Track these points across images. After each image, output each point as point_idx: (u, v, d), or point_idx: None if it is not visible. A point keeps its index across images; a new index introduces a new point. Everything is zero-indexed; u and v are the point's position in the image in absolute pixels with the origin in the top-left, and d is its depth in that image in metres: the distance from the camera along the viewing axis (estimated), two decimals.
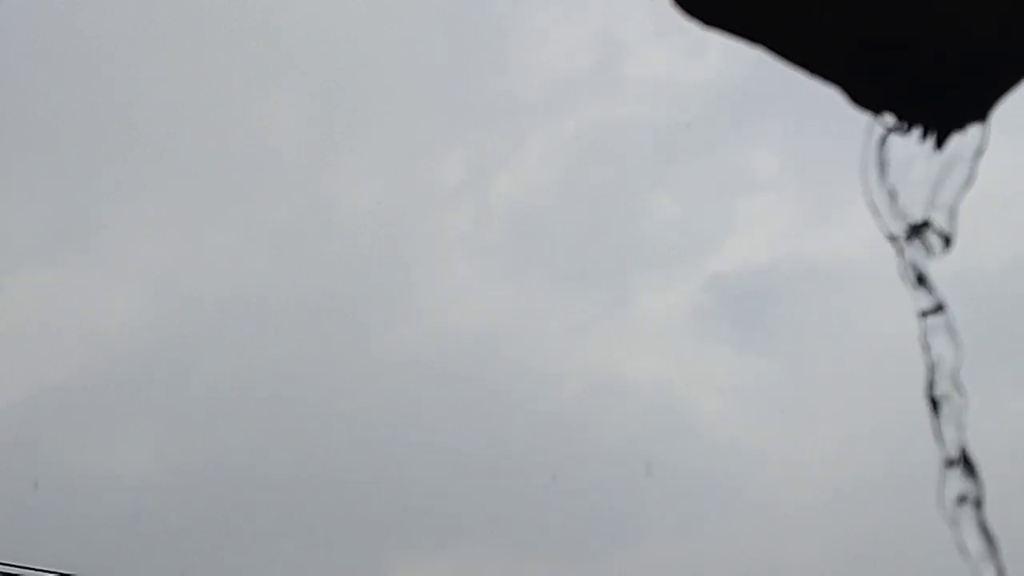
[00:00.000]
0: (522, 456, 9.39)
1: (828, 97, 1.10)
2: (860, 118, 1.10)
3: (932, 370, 1.08)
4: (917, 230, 1.10)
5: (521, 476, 9.27)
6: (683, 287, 10.23)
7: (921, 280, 1.09)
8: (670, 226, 10.41)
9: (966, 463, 1.06)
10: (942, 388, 1.08)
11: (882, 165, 1.10)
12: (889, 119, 1.09)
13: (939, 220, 1.10)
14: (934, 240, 1.10)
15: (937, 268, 1.10)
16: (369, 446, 9.06)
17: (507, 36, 10.63)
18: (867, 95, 1.07)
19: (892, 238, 1.09)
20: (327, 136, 10.31)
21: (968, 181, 1.09)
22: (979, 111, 1.08)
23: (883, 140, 1.11)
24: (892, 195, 1.10)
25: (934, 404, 1.08)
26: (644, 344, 10.14)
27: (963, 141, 1.10)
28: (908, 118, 1.08)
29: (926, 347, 1.08)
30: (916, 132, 1.10)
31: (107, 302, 10.17)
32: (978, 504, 1.05)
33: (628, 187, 10.38)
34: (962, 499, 1.05)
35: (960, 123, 1.09)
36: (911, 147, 1.11)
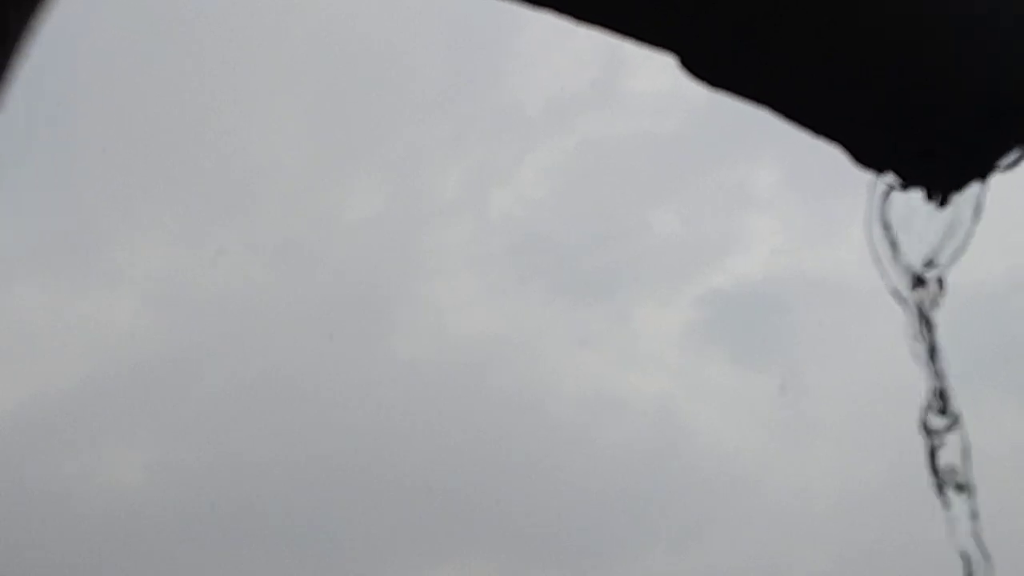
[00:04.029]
0: (520, 468, 9.40)
1: None
2: None
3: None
4: (919, 281, 1.11)
5: (519, 489, 9.28)
6: (682, 302, 10.24)
7: (927, 324, 1.11)
8: (670, 241, 10.42)
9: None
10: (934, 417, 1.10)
11: (885, 220, 1.12)
12: (893, 179, 1.10)
13: (938, 270, 1.12)
14: (934, 289, 1.12)
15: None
16: (367, 456, 9.06)
17: (508, 50, 10.65)
18: (872, 156, 1.09)
19: (896, 292, 1.11)
20: (327, 147, 10.33)
21: (966, 239, 1.10)
22: (982, 172, 1.10)
23: (886, 196, 1.12)
24: (895, 247, 1.12)
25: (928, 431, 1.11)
26: (643, 359, 10.15)
27: (965, 199, 1.11)
28: (912, 180, 1.09)
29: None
30: (919, 191, 1.12)
31: (107, 310, 10.19)
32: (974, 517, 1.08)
33: (628, 202, 10.39)
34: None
35: (963, 183, 1.10)
36: (914, 203, 1.12)
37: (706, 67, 1.03)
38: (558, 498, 9.05)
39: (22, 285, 9.88)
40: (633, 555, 8.93)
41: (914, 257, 1.12)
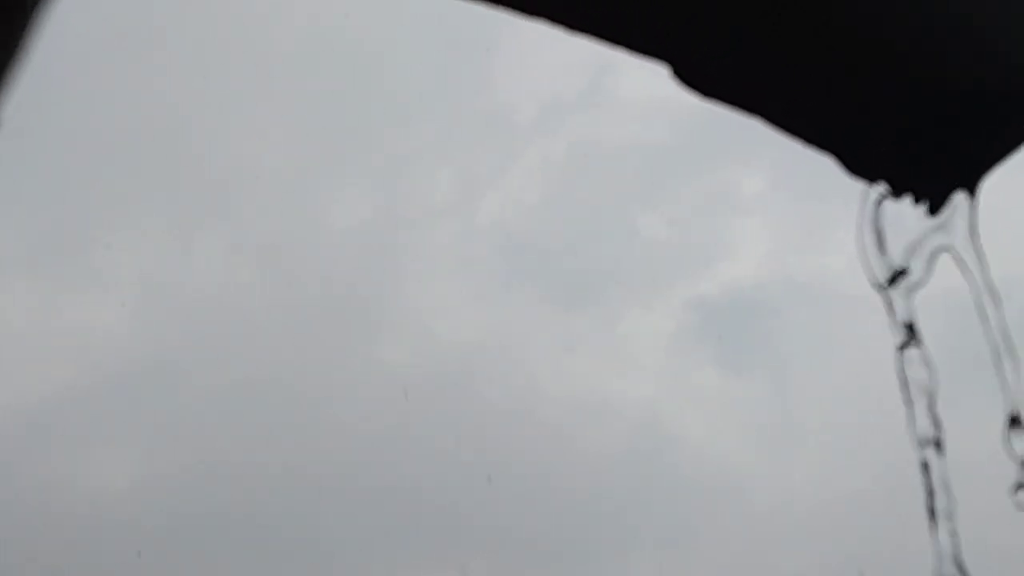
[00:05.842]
0: (507, 472, 9.40)
1: None
2: None
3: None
4: (897, 277, 1.12)
5: (506, 492, 9.27)
6: (670, 307, 10.27)
7: (910, 329, 1.12)
8: (658, 246, 10.45)
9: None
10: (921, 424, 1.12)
11: (877, 227, 1.12)
12: (884, 188, 1.11)
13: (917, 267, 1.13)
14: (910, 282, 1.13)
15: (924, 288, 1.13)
16: (354, 460, 9.06)
17: (498, 54, 10.67)
18: (863, 165, 1.09)
19: (879, 286, 1.12)
20: (313, 151, 10.34)
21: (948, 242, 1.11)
22: (971, 181, 1.11)
23: (878, 204, 1.13)
24: (882, 248, 1.13)
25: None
26: (630, 364, 10.17)
27: (955, 208, 1.12)
28: (902, 188, 1.10)
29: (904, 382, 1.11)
30: (909, 198, 1.12)
31: (92, 314, 10.16)
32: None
33: (616, 207, 10.42)
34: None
35: (952, 191, 1.11)
36: (905, 210, 1.13)
37: (698, 76, 1.04)
38: (545, 502, 9.06)
39: (7, 289, 9.84)
40: (619, 558, 8.94)
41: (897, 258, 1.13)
